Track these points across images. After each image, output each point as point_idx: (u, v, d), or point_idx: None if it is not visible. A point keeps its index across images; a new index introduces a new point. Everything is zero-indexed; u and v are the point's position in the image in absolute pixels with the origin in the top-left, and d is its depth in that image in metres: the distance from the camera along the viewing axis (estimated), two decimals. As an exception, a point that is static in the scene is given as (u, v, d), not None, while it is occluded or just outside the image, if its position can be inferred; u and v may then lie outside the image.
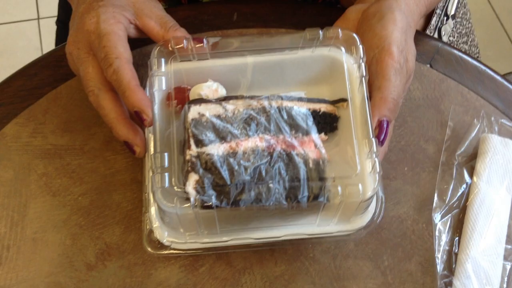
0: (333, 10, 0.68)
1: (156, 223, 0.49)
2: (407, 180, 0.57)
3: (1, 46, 1.59)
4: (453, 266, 0.52)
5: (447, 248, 0.53)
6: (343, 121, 0.52)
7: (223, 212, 0.46)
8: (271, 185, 0.45)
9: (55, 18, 0.91)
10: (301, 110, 0.50)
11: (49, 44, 1.57)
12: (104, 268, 0.51)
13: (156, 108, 0.49)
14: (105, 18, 0.50)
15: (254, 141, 0.47)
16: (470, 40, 0.82)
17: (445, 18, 0.76)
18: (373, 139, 0.47)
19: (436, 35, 0.76)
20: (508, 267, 0.53)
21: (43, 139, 0.57)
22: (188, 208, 0.44)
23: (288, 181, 0.46)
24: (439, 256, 0.53)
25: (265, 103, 0.49)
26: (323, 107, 0.52)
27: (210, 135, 0.47)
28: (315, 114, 0.51)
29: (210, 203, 0.44)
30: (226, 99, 0.49)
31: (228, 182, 0.45)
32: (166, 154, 0.46)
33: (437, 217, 0.55)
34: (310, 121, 0.50)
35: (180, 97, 0.51)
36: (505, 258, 0.53)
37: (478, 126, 0.60)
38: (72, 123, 0.59)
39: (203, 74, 0.52)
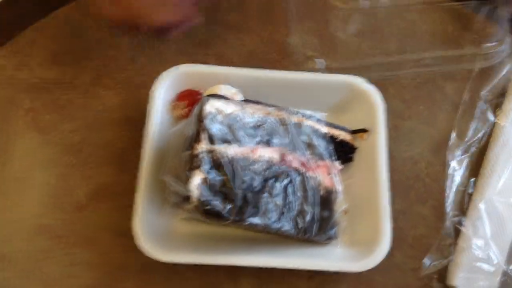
0: None
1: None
2: (422, 120, 0.53)
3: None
4: (465, 206, 0.49)
5: (460, 188, 0.50)
6: (360, 153, 0.49)
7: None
8: (279, 202, 0.42)
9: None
10: (319, 132, 0.47)
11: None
12: (96, 210, 0.48)
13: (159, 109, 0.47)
14: None
15: (269, 152, 0.43)
16: None
17: None
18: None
19: None
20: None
21: (29, 72, 0.53)
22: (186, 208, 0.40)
23: (298, 205, 0.43)
24: (450, 195, 0.49)
25: (285, 115, 0.45)
26: (342, 135, 0.48)
27: (225, 134, 0.42)
28: (332, 140, 0.48)
29: (213, 207, 0.39)
30: (245, 101, 0.45)
31: (236, 188, 0.40)
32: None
33: (452, 155, 0.51)
34: (328, 145, 0.47)
35: (190, 100, 0.48)
36: (525, 201, 0.49)
37: (509, 65, 0.55)
38: (61, 56, 0.54)
39: (219, 80, 0.48)
